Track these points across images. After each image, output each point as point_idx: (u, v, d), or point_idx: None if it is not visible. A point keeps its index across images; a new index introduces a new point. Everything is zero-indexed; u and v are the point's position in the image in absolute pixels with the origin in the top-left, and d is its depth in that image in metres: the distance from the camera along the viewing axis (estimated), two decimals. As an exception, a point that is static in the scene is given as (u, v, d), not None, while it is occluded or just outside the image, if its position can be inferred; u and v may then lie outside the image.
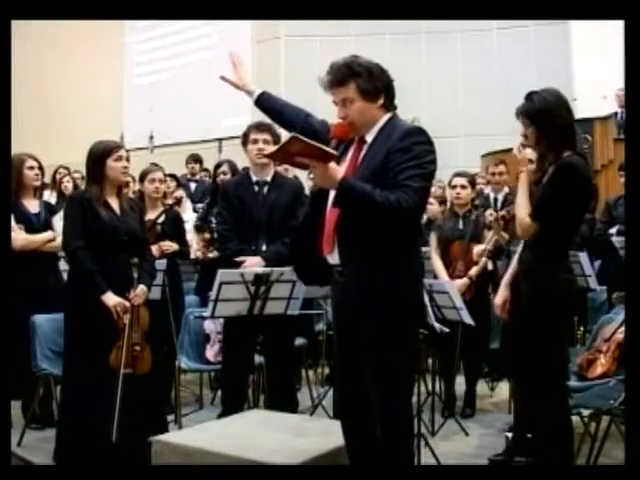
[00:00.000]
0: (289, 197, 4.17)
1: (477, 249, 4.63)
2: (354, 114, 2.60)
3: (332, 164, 2.44)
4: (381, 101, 2.61)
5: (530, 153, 3.82)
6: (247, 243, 4.12)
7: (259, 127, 4.15)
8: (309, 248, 2.69)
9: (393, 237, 2.54)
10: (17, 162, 4.28)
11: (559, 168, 3.00)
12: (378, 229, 2.51)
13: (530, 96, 3.08)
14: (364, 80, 2.57)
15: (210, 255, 5.28)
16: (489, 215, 4.55)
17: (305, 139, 2.37)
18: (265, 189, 4.18)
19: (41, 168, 4.48)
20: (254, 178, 4.22)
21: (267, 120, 4.05)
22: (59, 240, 4.10)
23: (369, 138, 2.64)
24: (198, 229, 5.45)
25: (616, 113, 8.55)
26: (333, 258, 2.65)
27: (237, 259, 4.02)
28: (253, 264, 3.93)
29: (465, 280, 4.61)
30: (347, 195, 2.46)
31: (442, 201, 6.25)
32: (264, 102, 2.93)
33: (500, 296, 3.34)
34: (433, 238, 4.80)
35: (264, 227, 4.12)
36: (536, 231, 3.03)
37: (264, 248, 4.09)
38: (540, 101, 3.04)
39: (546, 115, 3.02)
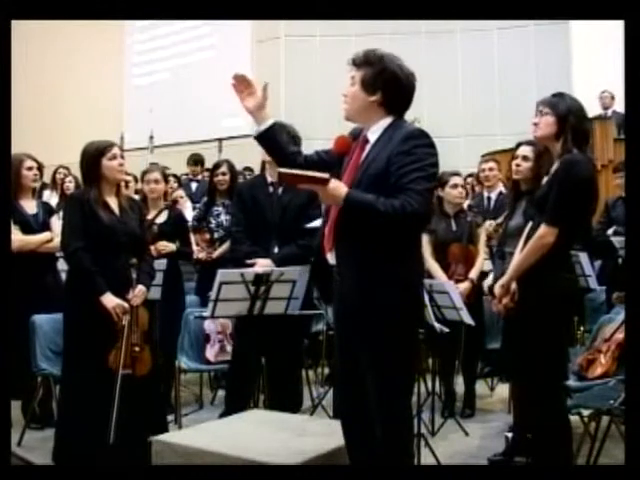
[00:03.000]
0: (303, 199, 4.07)
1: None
2: (350, 95, 2.67)
3: (331, 185, 2.47)
4: (375, 97, 2.62)
5: (528, 150, 3.84)
6: (259, 244, 4.09)
7: None
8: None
9: (393, 237, 2.54)
10: (15, 162, 4.26)
11: (563, 163, 3.02)
12: (378, 229, 2.52)
13: (560, 94, 3.14)
14: (370, 71, 2.62)
15: (213, 256, 5.27)
16: (489, 226, 4.54)
17: (291, 171, 2.46)
18: (279, 190, 4.14)
19: (40, 169, 4.48)
20: (269, 179, 4.19)
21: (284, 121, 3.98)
22: (57, 241, 4.09)
23: (372, 138, 2.65)
24: (195, 230, 5.43)
25: (600, 115, 8.62)
26: (333, 257, 2.66)
27: (248, 261, 4.01)
28: (263, 266, 3.91)
29: (468, 284, 4.59)
30: (352, 209, 2.50)
31: None
32: (271, 135, 2.75)
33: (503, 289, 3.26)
34: (426, 241, 4.69)
35: (277, 228, 4.09)
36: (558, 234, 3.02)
37: (276, 250, 4.07)
38: (573, 102, 3.12)
39: (575, 116, 3.07)
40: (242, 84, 2.74)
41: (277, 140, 2.78)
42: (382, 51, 2.67)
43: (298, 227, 4.06)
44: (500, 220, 4.37)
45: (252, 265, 3.94)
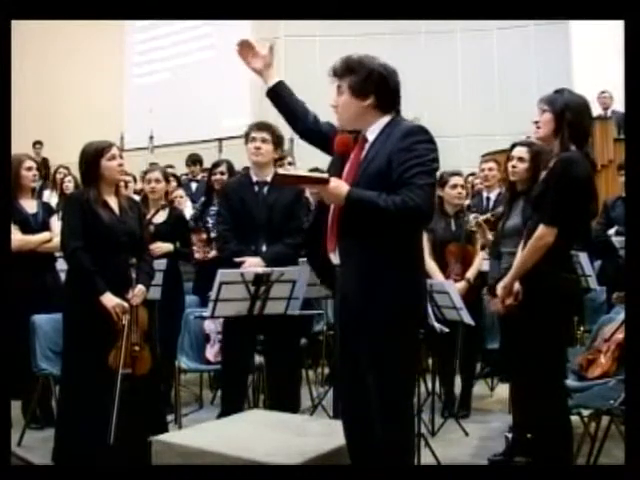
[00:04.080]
0: (289, 198, 4.13)
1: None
2: (341, 105, 2.68)
3: (332, 184, 2.48)
4: (369, 101, 2.62)
5: (523, 151, 3.83)
6: (247, 243, 4.10)
7: (258, 126, 4.15)
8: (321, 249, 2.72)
9: (395, 236, 2.54)
10: (15, 163, 4.27)
11: (560, 162, 3.01)
12: (380, 226, 2.52)
13: (561, 90, 3.13)
14: (357, 78, 2.62)
15: (209, 256, 5.26)
16: (472, 219, 4.46)
17: (290, 173, 2.49)
18: (265, 189, 4.15)
19: (39, 169, 4.47)
20: (254, 178, 4.20)
21: (268, 120, 4.01)
22: (56, 241, 4.09)
23: (371, 137, 2.65)
24: (191, 229, 5.42)
25: (600, 116, 8.64)
26: (335, 257, 2.66)
27: (237, 259, 4.01)
28: (253, 265, 3.92)
29: (464, 284, 4.58)
30: (354, 208, 2.50)
31: None
32: (280, 90, 2.84)
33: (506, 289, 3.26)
34: (424, 240, 4.65)
35: (264, 227, 4.10)
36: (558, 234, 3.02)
37: (264, 249, 4.07)
38: (571, 97, 3.10)
39: (573, 111, 3.05)
40: (245, 49, 2.83)
41: (286, 96, 2.84)
42: (357, 54, 2.67)
43: (285, 226, 4.08)
44: (487, 216, 4.33)
45: (241, 263, 3.95)
